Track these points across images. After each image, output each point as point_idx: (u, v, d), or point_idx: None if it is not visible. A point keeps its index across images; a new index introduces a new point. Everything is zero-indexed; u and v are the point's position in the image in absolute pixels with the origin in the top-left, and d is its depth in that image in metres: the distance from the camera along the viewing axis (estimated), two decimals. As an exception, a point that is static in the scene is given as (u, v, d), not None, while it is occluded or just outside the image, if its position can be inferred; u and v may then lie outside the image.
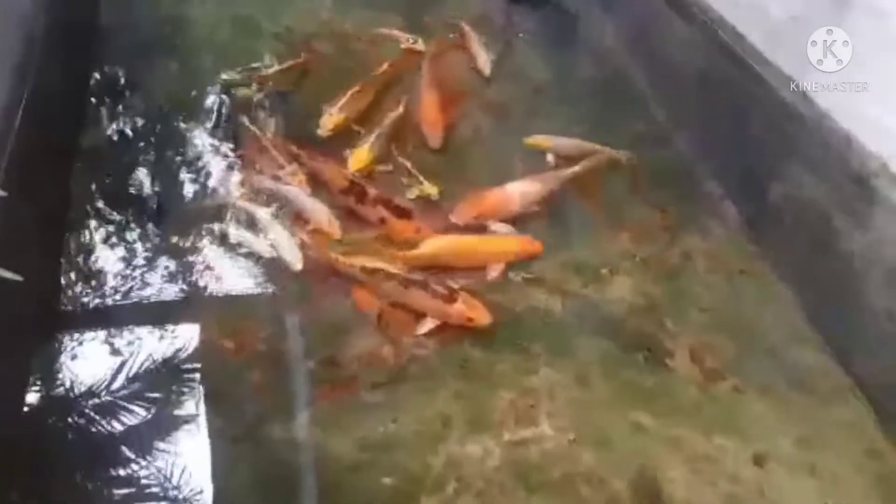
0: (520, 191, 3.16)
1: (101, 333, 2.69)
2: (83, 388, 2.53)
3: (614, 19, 4.30)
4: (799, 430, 2.49)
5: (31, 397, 2.49)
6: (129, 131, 3.52)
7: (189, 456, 2.37)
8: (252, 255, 2.96)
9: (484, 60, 3.90)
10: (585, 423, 2.47)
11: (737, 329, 2.79)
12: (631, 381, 2.62)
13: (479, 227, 3.06)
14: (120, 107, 3.64)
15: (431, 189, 3.19)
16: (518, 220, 3.12)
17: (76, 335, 2.69)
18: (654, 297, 2.90)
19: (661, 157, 3.45)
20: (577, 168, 3.30)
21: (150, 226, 3.08)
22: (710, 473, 2.37)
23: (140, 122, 3.57)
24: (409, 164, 3.30)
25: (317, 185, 3.21)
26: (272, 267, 2.92)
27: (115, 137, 3.49)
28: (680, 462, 2.39)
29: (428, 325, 2.71)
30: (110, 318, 2.75)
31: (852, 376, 2.64)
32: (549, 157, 3.41)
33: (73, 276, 2.86)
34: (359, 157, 3.30)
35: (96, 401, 2.50)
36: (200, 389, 2.55)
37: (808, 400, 2.58)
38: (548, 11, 4.46)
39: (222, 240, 3.02)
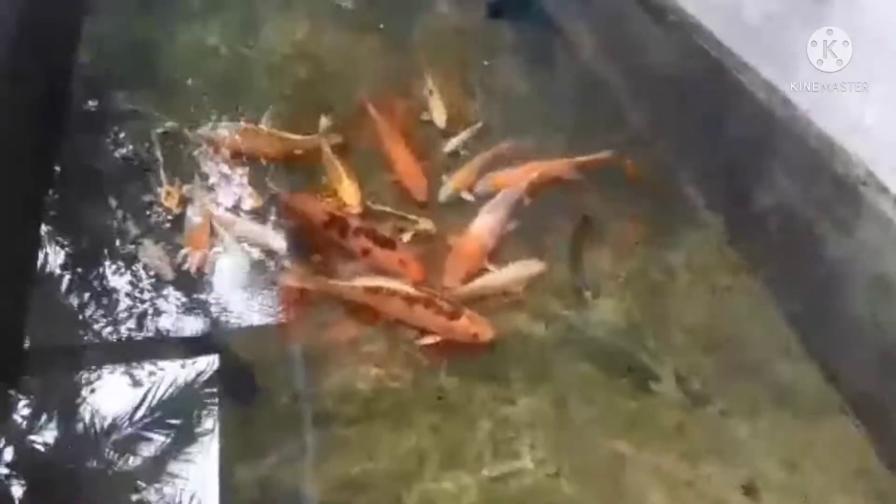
0: (487, 226, 3.05)
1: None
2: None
3: (593, 29, 4.22)
4: (787, 453, 2.41)
5: None
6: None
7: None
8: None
9: (440, 114, 3.67)
10: (566, 453, 2.40)
11: (722, 347, 2.72)
12: (613, 408, 2.54)
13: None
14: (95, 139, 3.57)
15: (427, 224, 3.11)
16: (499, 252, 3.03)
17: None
18: (636, 317, 2.82)
19: (641, 166, 3.36)
20: (527, 181, 3.24)
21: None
22: (696, 502, 2.29)
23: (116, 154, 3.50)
24: (389, 209, 3.20)
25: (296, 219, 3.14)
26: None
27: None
28: (663, 491, 2.31)
29: (431, 337, 2.67)
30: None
31: (841, 391, 2.56)
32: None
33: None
34: (350, 193, 3.21)
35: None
36: (163, 426, 2.50)
37: (796, 419, 2.50)
38: (527, 24, 4.38)
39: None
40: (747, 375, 2.63)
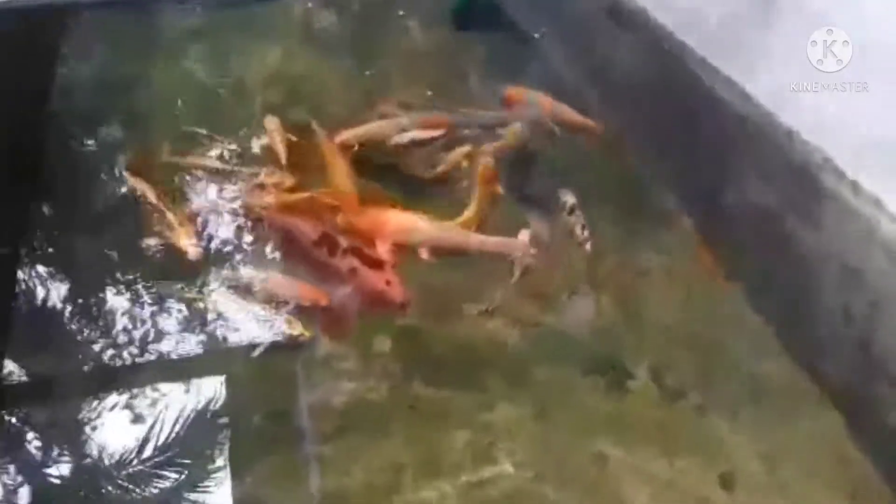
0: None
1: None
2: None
3: (563, 38, 4.28)
4: (766, 447, 2.39)
5: None
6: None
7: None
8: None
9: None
10: (546, 457, 2.38)
11: (697, 345, 2.72)
12: (591, 409, 2.53)
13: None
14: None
15: (287, 178, 3.28)
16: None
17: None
18: (612, 318, 2.83)
19: (612, 172, 3.38)
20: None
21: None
22: (676, 500, 2.28)
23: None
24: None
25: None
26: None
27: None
28: (644, 490, 2.30)
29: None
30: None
31: (817, 383, 2.56)
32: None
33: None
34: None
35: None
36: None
37: (773, 413, 2.50)
38: (496, 36, 4.42)
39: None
40: (723, 372, 2.62)
